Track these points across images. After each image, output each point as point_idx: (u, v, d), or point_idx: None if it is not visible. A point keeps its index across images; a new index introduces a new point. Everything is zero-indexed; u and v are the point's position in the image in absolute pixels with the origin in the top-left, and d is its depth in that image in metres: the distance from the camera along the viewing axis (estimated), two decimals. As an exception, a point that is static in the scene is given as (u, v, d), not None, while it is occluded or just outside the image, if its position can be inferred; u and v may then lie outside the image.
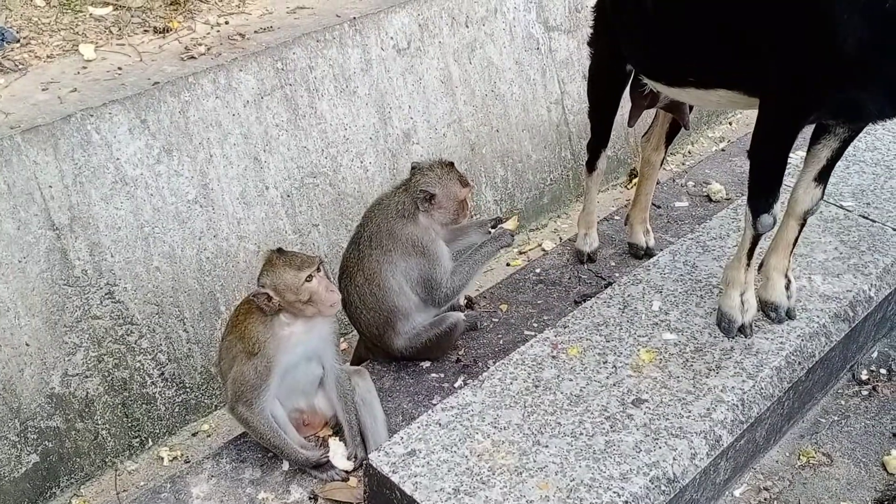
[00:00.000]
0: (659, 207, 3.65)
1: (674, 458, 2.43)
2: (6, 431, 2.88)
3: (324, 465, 2.56)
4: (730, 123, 5.22)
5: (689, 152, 4.90)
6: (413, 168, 3.02)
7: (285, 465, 2.62)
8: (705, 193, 3.96)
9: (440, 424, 2.55)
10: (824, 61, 2.30)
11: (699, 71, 2.68)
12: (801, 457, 2.93)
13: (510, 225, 3.12)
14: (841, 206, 3.39)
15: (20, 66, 3.30)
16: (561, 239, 4.36)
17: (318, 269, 2.46)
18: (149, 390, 3.22)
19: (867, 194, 3.55)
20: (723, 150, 4.43)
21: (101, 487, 3.10)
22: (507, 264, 4.16)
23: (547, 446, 2.47)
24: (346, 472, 2.63)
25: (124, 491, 3.09)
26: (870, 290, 3.04)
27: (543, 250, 4.29)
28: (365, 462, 2.51)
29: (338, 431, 2.67)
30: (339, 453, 2.59)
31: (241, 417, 2.55)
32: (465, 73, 4.11)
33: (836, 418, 3.07)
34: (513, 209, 3.39)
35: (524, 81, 4.35)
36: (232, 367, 2.52)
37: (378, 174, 3.81)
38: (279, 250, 2.47)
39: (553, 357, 2.79)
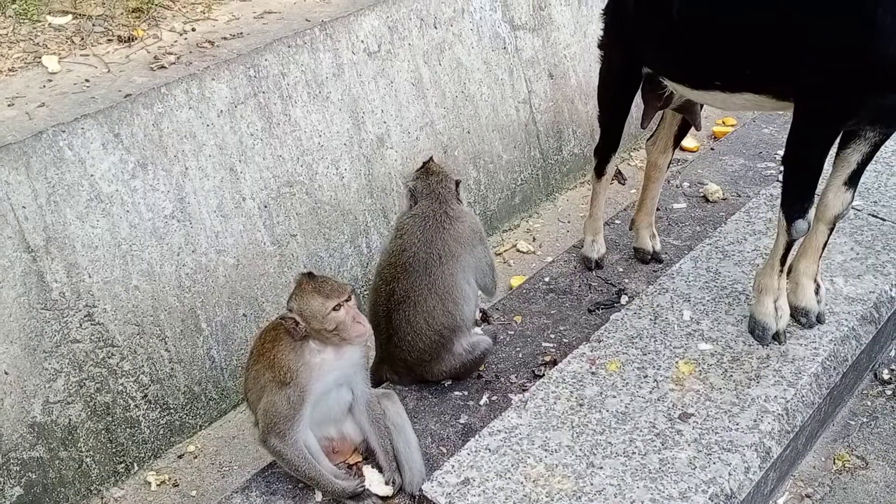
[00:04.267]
0: (658, 210, 3.64)
1: (729, 474, 2.42)
2: (-13, 465, 2.76)
3: (360, 494, 2.48)
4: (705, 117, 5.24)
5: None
6: (410, 191, 2.93)
7: (318, 496, 2.51)
8: (702, 194, 3.97)
9: (490, 450, 2.50)
10: (864, 66, 2.30)
11: (727, 74, 2.65)
12: (836, 461, 2.94)
13: None
14: (851, 206, 3.44)
15: (-20, 81, 3.15)
16: (534, 239, 4.36)
17: (349, 299, 2.36)
18: (132, 413, 3.11)
19: (873, 192, 3.60)
20: (712, 149, 4.45)
21: (87, 517, 2.99)
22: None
23: (601, 468, 2.44)
24: (385, 498, 2.53)
25: (111, 519, 2.98)
26: (891, 290, 3.08)
27: (518, 251, 4.28)
28: (418, 494, 2.46)
29: (367, 457, 2.58)
30: (375, 480, 2.50)
31: (274, 450, 2.44)
32: (435, 74, 4.06)
33: (864, 420, 3.10)
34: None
35: (493, 82, 4.32)
36: (261, 398, 2.42)
37: (354, 180, 3.74)
38: (310, 274, 2.37)
39: (592, 373, 2.76)
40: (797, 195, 2.67)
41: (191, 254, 3.23)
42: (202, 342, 3.27)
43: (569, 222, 4.47)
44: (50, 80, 3.18)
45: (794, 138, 2.61)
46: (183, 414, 3.25)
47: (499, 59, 4.34)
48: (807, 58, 2.40)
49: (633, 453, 2.48)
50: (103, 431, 3.04)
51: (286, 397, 2.35)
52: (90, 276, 2.97)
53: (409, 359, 2.85)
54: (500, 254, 4.22)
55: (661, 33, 2.79)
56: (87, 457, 3.00)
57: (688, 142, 4.94)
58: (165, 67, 3.28)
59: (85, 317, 2.97)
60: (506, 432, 2.57)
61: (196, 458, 3.21)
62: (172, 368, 3.20)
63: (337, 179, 3.69)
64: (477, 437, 2.57)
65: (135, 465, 3.13)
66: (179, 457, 3.21)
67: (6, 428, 2.79)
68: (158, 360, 3.16)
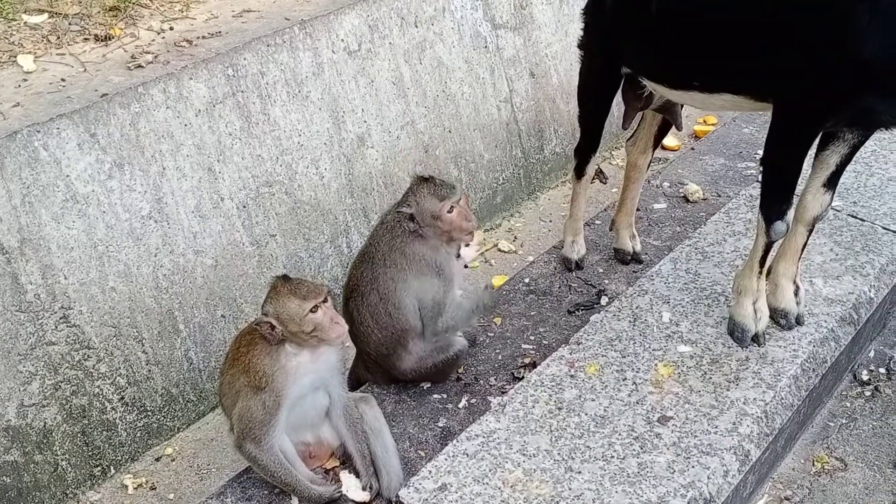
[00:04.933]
0: (638, 210, 3.63)
1: (708, 477, 2.41)
2: (-39, 470, 2.73)
3: (337, 500, 2.46)
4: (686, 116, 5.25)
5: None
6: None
7: (295, 502, 2.50)
8: (682, 194, 3.96)
9: (468, 455, 2.49)
10: (844, 67, 2.29)
11: (705, 74, 2.65)
12: (815, 463, 2.95)
13: (477, 238, 3.03)
14: (830, 208, 3.45)
15: (-46, 80, 3.11)
16: (516, 238, 4.35)
17: (326, 300, 2.34)
18: (109, 416, 3.08)
19: (852, 193, 3.60)
20: (692, 149, 4.46)
21: (63, 521, 2.96)
22: (465, 266, 4.10)
23: (580, 472, 2.43)
24: (362, 503, 2.52)
25: (88, 523, 2.96)
26: (870, 291, 3.09)
27: (500, 250, 4.27)
28: (396, 499, 2.44)
29: (344, 462, 2.57)
30: (352, 485, 2.48)
31: (250, 455, 2.42)
32: (416, 73, 4.04)
33: (843, 421, 3.11)
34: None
35: (474, 81, 4.30)
36: (236, 403, 2.40)
37: (334, 180, 3.72)
38: (285, 277, 2.36)
39: (571, 376, 2.75)
40: (776, 197, 2.67)
41: (168, 254, 3.20)
42: (180, 344, 3.24)
43: (550, 221, 4.47)
44: (25, 80, 3.14)
45: (772, 140, 2.61)
46: (160, 416, 3.22)
47: (480, 59, 4.32)
48: (785, 58, 2.40)
49: (612, 457, 2.47)
50: (79, 434, 3.01)
51: (261, 402, 2.33)
52: (66, 278, 2.94)
53: (369, 350, 2.84)
54: (481, 253, 4.21)
55: (639, 33, 2.78)
56: (62, 460, 2.97)
57: (669, 140, 4.94)
58: (143, 67, 3.25)
59: (60, 319, 2.94)
60: (484, 437, 2.55)
61: (174, 460, 3.19)
62: (150, 370, 3.17)
63: (317, 179, 3.67)
64: (455, 441, 2.56)
65: (111, 468, 3.11)
66: (157, 459, 3.19)
67: (-20, 432, 2.77)
68: (135, 362, 3.13)
